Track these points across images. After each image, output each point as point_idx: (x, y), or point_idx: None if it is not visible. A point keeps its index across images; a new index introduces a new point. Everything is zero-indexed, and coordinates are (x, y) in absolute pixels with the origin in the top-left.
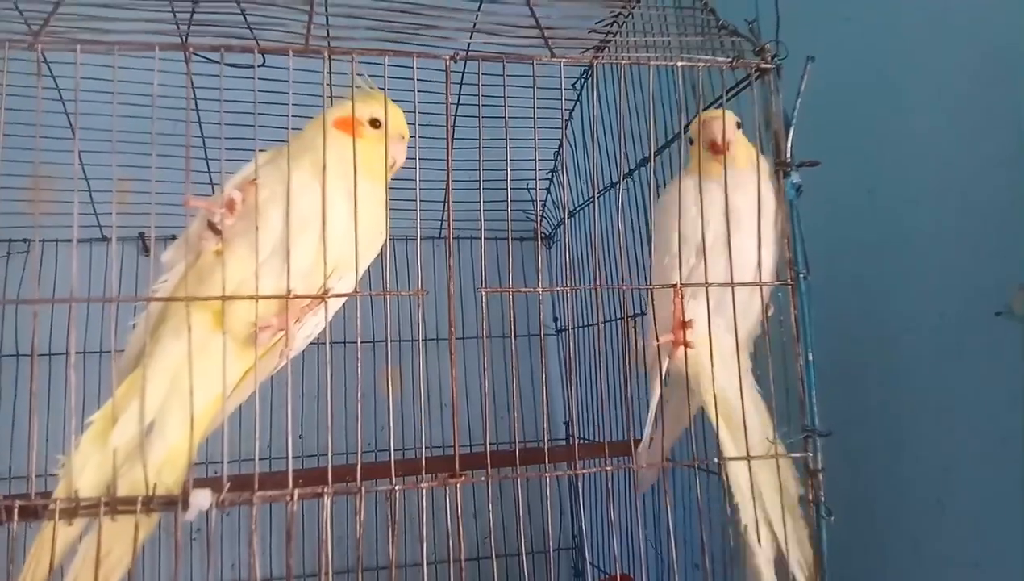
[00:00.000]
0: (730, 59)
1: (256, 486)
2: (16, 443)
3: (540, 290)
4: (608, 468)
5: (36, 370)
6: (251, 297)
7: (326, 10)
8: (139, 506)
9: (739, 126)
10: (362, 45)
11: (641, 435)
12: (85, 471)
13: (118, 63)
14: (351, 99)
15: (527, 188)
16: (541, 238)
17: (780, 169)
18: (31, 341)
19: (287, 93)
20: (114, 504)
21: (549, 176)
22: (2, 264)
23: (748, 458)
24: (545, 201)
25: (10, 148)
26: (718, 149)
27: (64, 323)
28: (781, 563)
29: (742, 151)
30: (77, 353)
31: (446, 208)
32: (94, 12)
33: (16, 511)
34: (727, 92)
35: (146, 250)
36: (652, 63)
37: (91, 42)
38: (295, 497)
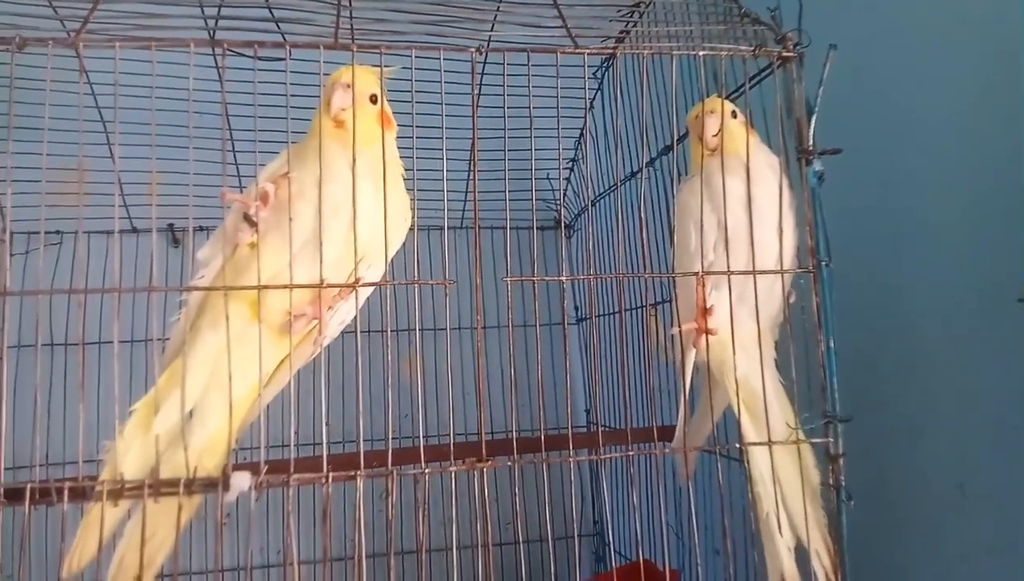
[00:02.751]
0: (752, 48)
1: (292, 469)
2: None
3: (563, 279)
4: (631, 453)
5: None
6: (286, 286)
7: (350, 5)
8: (181, 488)
9: (734, 115)
10: (389, 40)
11: (663, 422)
12: (129, 456)
13: (144, 60)
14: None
15: (547, 177)
16: (562, 227)
17: (803, 157)
18: (65, 331)
19: (317, 85)
20: (157, 486)
21: (570, 165)
22: (34, 256)
23: (770, 443)
24: (565, 190)
25: (34, 141)
26: (707, 143)
27: (96, 312)
28: (801, 550)
29: (735, 141)
30: (108, 342)
31: (471, 198)
32: (125, 9)
33: (66, 492)
34: (749, 80)
35: (175, 241)
36: (675, 53)
37: (129, 39)
38: (330, 480)
